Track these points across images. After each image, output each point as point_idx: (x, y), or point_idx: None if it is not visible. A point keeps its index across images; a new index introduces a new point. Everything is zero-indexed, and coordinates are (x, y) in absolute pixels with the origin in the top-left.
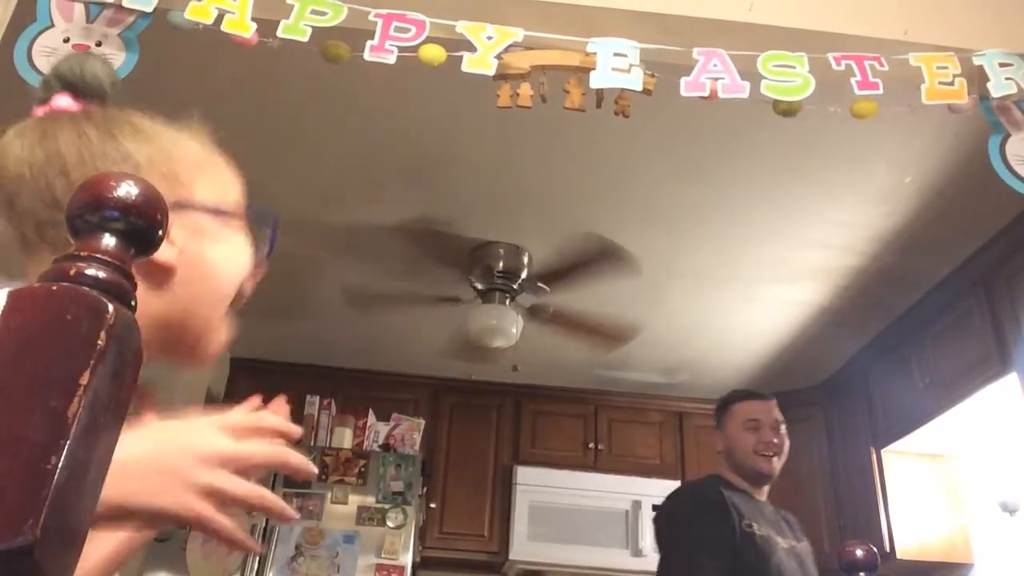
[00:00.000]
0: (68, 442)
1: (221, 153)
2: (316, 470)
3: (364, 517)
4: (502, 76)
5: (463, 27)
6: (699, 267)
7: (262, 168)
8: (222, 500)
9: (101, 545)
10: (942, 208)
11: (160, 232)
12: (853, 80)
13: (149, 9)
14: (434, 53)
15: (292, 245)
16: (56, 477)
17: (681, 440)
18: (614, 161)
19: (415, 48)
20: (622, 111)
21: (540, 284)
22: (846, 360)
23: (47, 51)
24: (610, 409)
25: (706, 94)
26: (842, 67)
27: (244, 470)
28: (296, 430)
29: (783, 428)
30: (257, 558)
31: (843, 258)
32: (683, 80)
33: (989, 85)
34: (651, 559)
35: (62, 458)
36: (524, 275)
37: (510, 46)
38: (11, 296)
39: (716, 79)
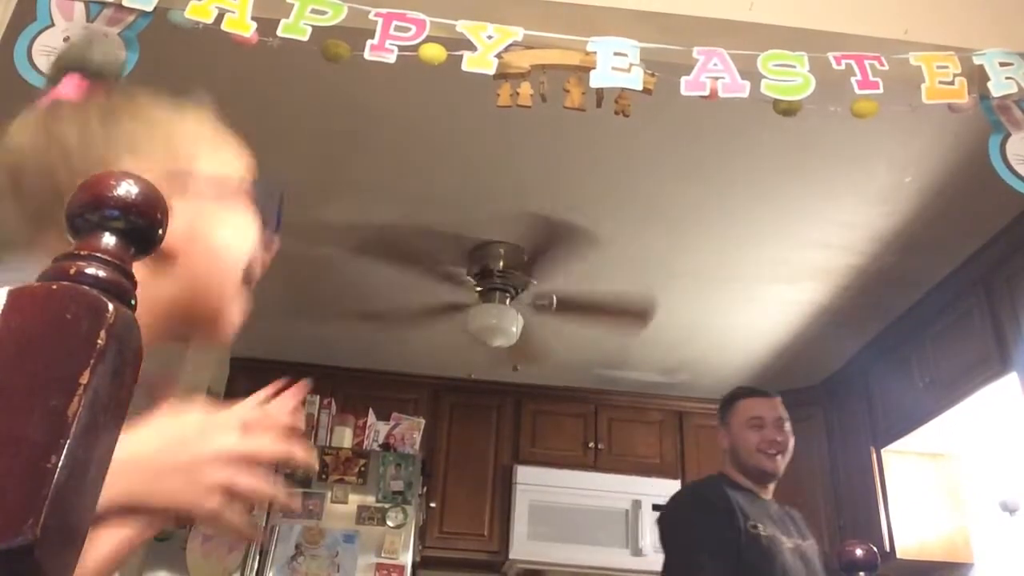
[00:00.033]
0: (68, 441)
1: (224, 130)
2: (317, 465)
3: (364, 516)
4: (502, 75)
5: (463, 26)
6: (699, 267)
7: (261, 167)
8: (232, 496)
9: (100, 544)
10: (942, 208)
11: (160, 231)
12: (853, 79)
13: (149, 8)
14: (434, 52)
15: (292, 244)
16: (56, 476)
17: (681, 440)
18: (614, 161)
19: (415, 47)
20: (622, 110)
21: (526, 278)
22: (846, 360)
23: (47, 50)
24: (610, 408)
25: (706, 93)
26: (842, 66)
27: (252, 466)
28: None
29: (787, 426)
30: (257, 558)
31: (843, 258)
32: (683, 79)
33: (989, 84)
34: (651, 558)
35: (62, 457)
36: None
37: (510, 45)
38: (11, 295)
39: (716, 78)
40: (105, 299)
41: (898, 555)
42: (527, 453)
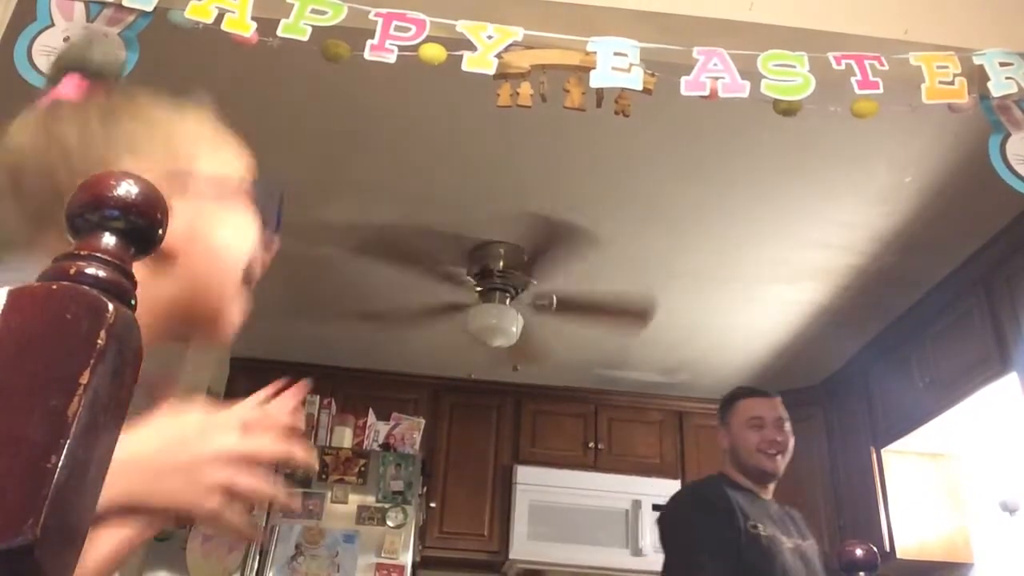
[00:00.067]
0: (68, 441)
1: (224, 130)
2: (317, 465)
3: (364, 516)
4: (502, 75)
5: (463, 26)
6: (699, 267)
7: (261, 167)
8: (232, 496)
9: (100, 544)
10: (942, 208)
11: (160, 231)
12: (853, 79)
13: (149, 8)
14: (434, 52)
15: (292, 244)
16: (56, 477)
17: (681, 440)
18: (614, 161)
19: (415, 47)
20: (622, 110)
21: (526, 278)
22: (846, 360)
23: (47, 50)
24: (610, 408)
25: (706, 93)
26: (842, 66)
27: (252, 466)
28: (300, 424)
29: (787, 426)
30: (257, 558)
31: (843, 258)
32: (683, 79)
33: (989, 84)
34: (651, 558)
35: (62, 457)
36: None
37: (510, 45)
38: (11, 295)
39: (716, 78)
40: (105, 299)
41: (898, 555)
42: (527, 453)
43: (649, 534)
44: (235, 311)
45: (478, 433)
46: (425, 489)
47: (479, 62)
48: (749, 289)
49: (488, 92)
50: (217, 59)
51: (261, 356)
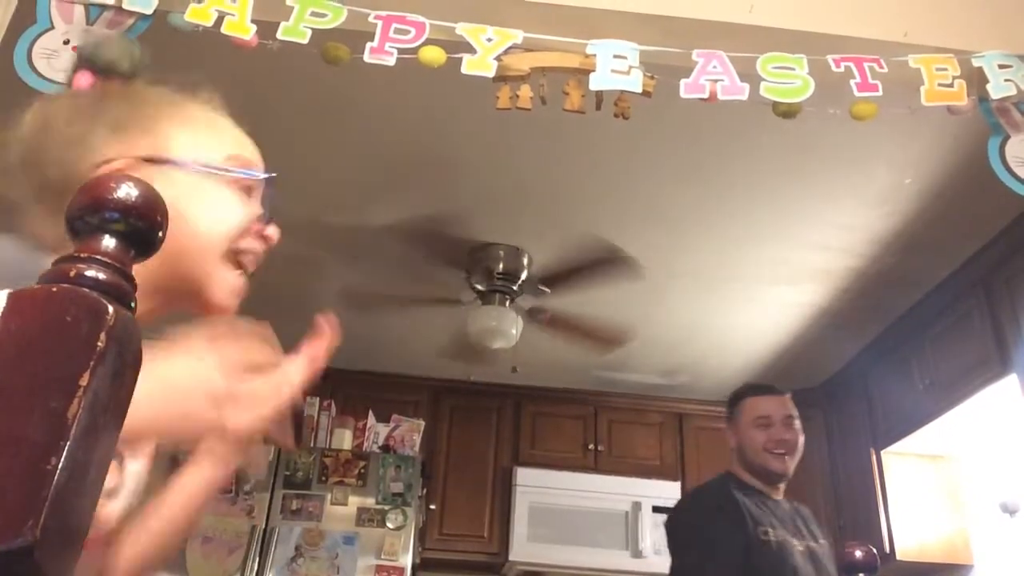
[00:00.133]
0: (68, 443)
1: (221, 117)
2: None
3: (364, 518)
4: (502, 78)
5: (463, 29)
6: (699, 268)
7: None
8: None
9: (185, 485)
10: (942, 210)
11: (160, 233)
12: (853, 82)
13: (149, 11)
14: (434, 55)
15: (291, 245)
16: (56, 478)
17: (681, 441)
18: (614, 163)
19: (415, 50)
20: (622, 113)
21: (541, 286)
22: (846, 361)
23: (47, 53)
24: (610, 410)
25: (706, 96)
26: (841, 69)
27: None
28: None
29: (797, 424)
30: (257, 559)
31: (843, 260)
32: (683, 82)
33: (989, 87)
34: (651, 560)
35: (62, 459)
36: (524, 277)
37: (510, 48)
38: (11, 297)
39: (716, 81)
40: (105, 301)
41: (898, 557)
42: (527, 455)
43: (649, 536)
44: (217, 287)
45: (478, 435)
46: (425, 491)
47: (479, 65)
48: (749, 290)
49: (488, 95)
50: (217, 62)
51: None
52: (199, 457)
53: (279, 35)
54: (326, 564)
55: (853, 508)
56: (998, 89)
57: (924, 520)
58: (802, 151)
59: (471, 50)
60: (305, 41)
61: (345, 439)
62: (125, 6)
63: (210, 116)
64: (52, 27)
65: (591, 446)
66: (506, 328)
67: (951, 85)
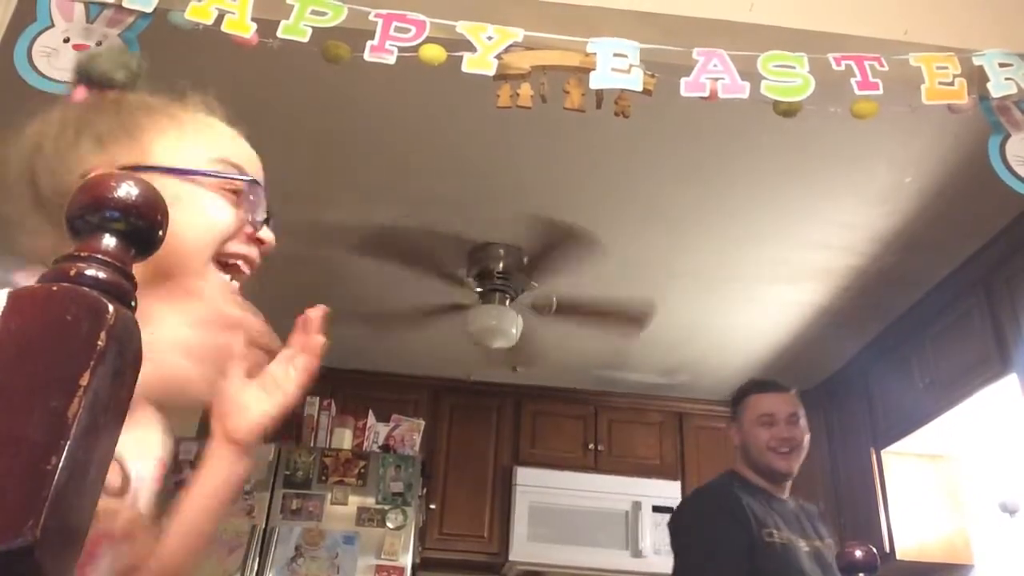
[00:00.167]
0: (68, 442)
1: (213, 122)
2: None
3: (364, 518)
4: (502, 76)
5: (463, 27)
6: (699, 267)
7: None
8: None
9: (210, 475)
10: (942, 208)
11: (161, 232)
12: (853, 80)
13: (149, 9)
14: (434, 53)
15: (292, 245)
16: (56, 478)
17: (681, 441)
18: (614, 161)
19: (415, 48)
20: (622, 111)
21: (526, 279)
22: (846, 361)
23: (47, 51)
24: (610, 410)
25: (706, 94)
26: (842, 67)
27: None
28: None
29: (802, 421)
30: (257, 559)
31: (843, 258)
32: (683, 80)
33: (989, 85)
34: (651, 560)
35: (62, 459)
36: (520, 275)
37: (510, 46)
38: (11, 297)
39: (716, 79)
40: (105, 300)
41: (898, 556)
42: (527, 454)
43: (649, 536)
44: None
45: (478, 434)
46: (425, 490)
47: (479, 63)
48: (749, 289)
49: (488, 93)
50: (217, 61)
51: None
52: (206, 463)
53: (279, 33)
54: (326, 564)
55: (853, 507)
56: (999, 88)
57: (924, 520)
58: (802, 150)
59: (471, 48)
60: (305, 39)
61: (345, 439)
62: (125, 4)
63: (199, 119)
64: (52, 25)
65: (591, 446)
66: (506, 327)
67: (952, 84)
